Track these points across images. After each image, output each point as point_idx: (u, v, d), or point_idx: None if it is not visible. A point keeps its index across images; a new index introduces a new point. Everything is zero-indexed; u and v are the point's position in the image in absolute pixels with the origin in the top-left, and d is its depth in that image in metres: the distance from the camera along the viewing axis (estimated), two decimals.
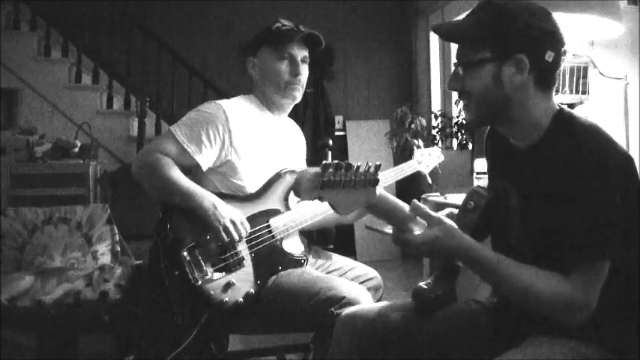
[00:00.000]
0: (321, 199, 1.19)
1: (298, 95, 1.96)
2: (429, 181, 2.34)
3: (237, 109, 1.89)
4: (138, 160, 1.86)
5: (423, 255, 1.25)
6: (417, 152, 2.29)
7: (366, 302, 1.69)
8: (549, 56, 1.22)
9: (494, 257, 1.20)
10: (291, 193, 1.94)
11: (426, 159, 2.27)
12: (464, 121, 3.96)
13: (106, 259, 2.54)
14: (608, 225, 1.14)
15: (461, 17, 1.34)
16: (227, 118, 1.84)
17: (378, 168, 1.18)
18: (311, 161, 4.46)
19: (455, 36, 1.32)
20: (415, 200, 1.26)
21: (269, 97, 1.97)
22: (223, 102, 1.90)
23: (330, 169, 1.15)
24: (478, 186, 1.39)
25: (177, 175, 1.77)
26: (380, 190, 1.22)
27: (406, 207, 1.25)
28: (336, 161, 1.16)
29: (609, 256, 1.15)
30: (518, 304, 1.22)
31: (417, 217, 1.24)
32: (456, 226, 1.23)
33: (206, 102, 1.94)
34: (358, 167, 1.16)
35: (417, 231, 1.23)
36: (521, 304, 1.21)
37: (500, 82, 1.23)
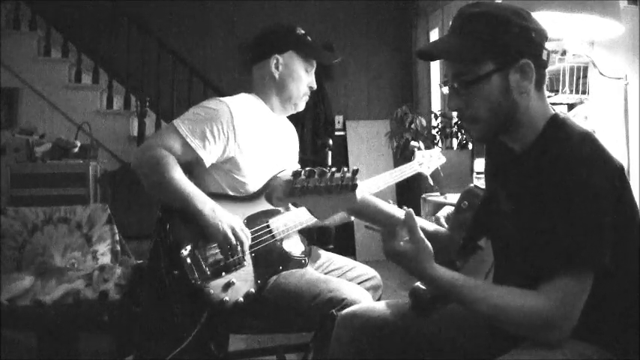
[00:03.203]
0: (295, 205, 1.18)
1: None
2: (431, 182, 2.33)
3: (242, 107, 1.89)
4: (139, 155, 1.81)
5: (396, 263, 1.24)
6: (418, 154, 2.29)
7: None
8: (545, 55, 1.22)
9: (456, 281, 1.18)
10: None
11: (427, 160, 2.27)
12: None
13: (105, 259, 2.54)
14: (592, 235, 1.11)
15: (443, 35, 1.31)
16: (232, 115, 1.83)
17: (355, 173, 1.17)
18: (311, 161, 4.46)
19: (451, 56, 1.27)
20: (411, 210, 1.24)
21: (282, 99, 1.98)
22: (228, 99, 1.90)
23: (302, 176, 1.14)
24: (474, 186, 1.39)
25: (179, 176, 1.75)
26: (363, 194, 1.21)
27: (396, 211, 1.24)
28: (308, 168, 1.16)
29: (591, 267, 1.12)
30: (495, 325, 1.20)
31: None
32: (432, 250, 1.21)
33: (210, 99, 1.95)
34: (333, 173, 1.15)
35: (405, 238, 1.22)
36: (498, 325, 1.19)
37: (508, 91, 1.21)
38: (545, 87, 1.27)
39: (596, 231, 1.12)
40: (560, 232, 1.12)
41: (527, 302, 1.13)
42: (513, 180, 1.27)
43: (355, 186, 1.18)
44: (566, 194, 1.12)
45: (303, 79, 1.97)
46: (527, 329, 1.15)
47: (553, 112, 1.27)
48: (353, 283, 1.86)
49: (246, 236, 1.77)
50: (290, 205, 1.34)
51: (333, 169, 1.16)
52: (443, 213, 1.53)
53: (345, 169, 1.18)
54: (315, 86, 2.02)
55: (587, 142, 1.19)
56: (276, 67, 1.95)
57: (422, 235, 1.22)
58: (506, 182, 1.30)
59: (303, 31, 1.99)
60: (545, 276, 1.13)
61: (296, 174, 1.13)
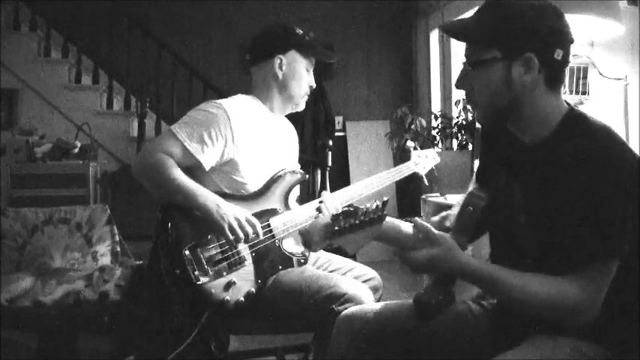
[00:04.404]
0: (331, 245, 1.24)
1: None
2: (426, 182, 2.36)
3: (239, 108, 1.90)
4: (139, 160, 1.86)
5: (423, 272, 1.26)
6: (414, 154, 2.32)
7: (367, 299, 1.70)
8: (558, 54, 1.21)
9: (494, 270, 1.20)
10: (291, 193, 1.95)
11: (423, 160, 2.30)
12: (464, 122, 3.96)
13: (105, 259, 2.54)
14: (617, 226, 1.13)
15: (468, 14, 1.33)
16: (229, 117, 1.84)
17: (385, 204, 1.22)
18: (311, 161, 4.45)
19: (464, 35, 1.30)
20: (417, 219, 1.26)
21: (284, 98, 2.00)
22: (224, 102, 1.91)
23: (341, 218, 1.21)
24: (476, 189, 1.38)
25: (179, 175, 1.77)
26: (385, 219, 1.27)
27: (409, 226, 1.27)
28: (344, 209, 1.23)
29: (618, 257, 1.14)
30: (522, 312, 1.21)
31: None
32: (454, 241, 1.22)
33: (206, 102, 1.95)
34: (367, 209, 1.21)
35: (420, 248, 1.23)
36: (527, 312, 1.20)
37: (509, 82, 1.22)
38: (562, 85, 1.27)
39: (621, 222, 1.13)
40: (588, 224, 1.14)
41: (563, 289, 1.15)
42: (528, 172, 1.27)
43: (383, 217, 1.24)
44: (588, 185, 1.13)
45: (304, 78, 1.99)
46: (560, 314, 1.17)
47: (568, 106, 1.27)
48: (352, 279, 1.86)
49: (254, 223, 1.78)
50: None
51: (367, 204, 1.22)
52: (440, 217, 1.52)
53: (377, 201, 1.22)
54: (314, 85, 2.04)
55: (608, 135, 1.20)
56: (280, 68, 1.96)
57: (440, 232, 1.23)
58: (519, 174, 1.30)
59: (301, 31, 2.01)
60: (574, 264, 1.15)
61: (335, 218, 1.20)
